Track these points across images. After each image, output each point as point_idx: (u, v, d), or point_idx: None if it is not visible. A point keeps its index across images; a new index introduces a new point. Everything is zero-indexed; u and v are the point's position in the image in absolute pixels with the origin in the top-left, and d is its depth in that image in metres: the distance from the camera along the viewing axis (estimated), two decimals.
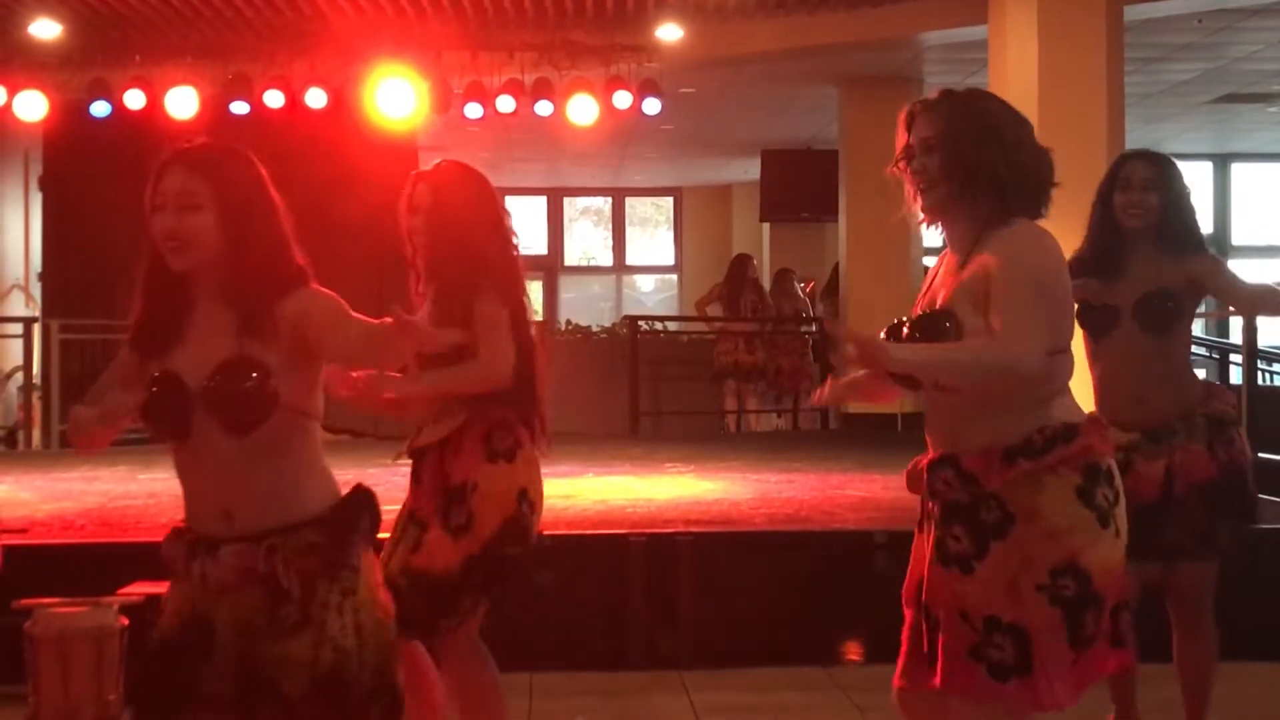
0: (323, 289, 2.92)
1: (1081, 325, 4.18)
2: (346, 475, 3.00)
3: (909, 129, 3.12)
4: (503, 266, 4.04)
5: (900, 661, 3.12)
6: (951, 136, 3.05)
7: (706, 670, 5.83)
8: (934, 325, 3.02)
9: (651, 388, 13.69)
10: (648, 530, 6.36)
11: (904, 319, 3.11)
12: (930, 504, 3.08)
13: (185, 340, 2.86)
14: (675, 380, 13.86)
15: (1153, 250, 4.23)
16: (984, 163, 3.03)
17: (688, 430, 13.28)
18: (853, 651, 6.11)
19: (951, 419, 3.05)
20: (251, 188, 2.91)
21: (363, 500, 2.92)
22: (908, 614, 3.13)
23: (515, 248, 4.14)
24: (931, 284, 3.15)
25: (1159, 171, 4.25)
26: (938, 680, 2.98)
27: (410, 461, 4.06)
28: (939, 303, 3.06)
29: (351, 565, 2.84)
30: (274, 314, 2.83)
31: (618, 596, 6.10)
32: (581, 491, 7.97)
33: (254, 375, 2.79)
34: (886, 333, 3.08)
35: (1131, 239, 4.22)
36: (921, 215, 3.12)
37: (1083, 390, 3.56)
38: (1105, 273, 4.21)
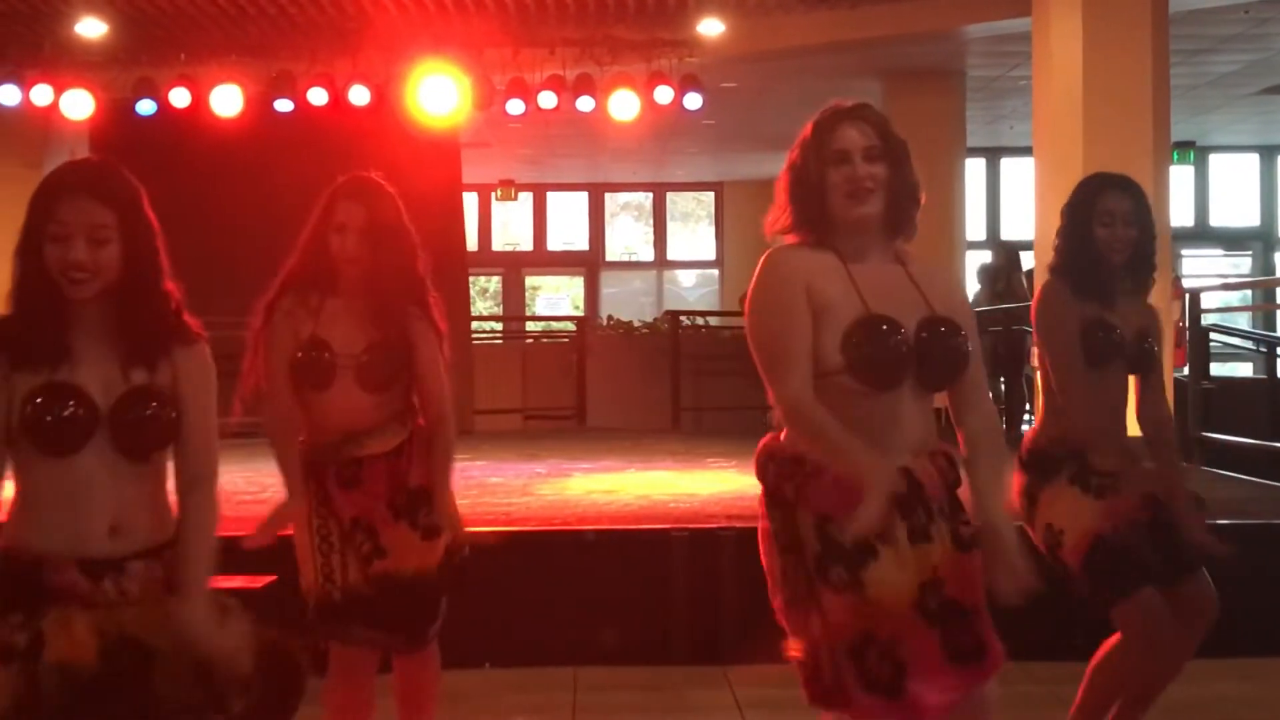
0: (208, 358, 2.94)
1: (1088, 346, 4.13)
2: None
3: (830, 134, 3.13)
4: (426, 288, 4.06)
5: (934, 679, 2.96)
6: (895, 151, 3.12)
7: (749, 665, 5.82)
8: (950, 339, 3.08)
9: (693, 383, 13.69)
10: (690, 525, 6.37)
11: (877, 317, 3.04)
12: (924, 502, 3.04)
13: (75, 360, 2.82)
14: (717, 375, 13.83)
15: (1125, 284, 4.24)
16: (916, 183, 3.13)
17: (730, 425, 13.25)
18: None
19: (923, 424, 3.11)
20: (145, 215, 2.88)
21: None
22: (914, 627, 2.97)
23: (427, 259, 4.12)
24: (854, 284, 3.08)
25: (1139, 205, 4.22)
26: (994, 664, 3.01)
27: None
28: (922, 310, 3.08)
29: None
30: (169, 350, 2.88)
31: (661, 591, 6.11)
32: (624, 486, 7.99)
33: (154, 404, 2.83)
34: (864, 327, 3.03)
35: (1110, 268, 4.20)
36: (848, 219, 3.11)
37: None
38: (1105, 301, 4.17)
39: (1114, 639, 4.20)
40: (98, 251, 2.79)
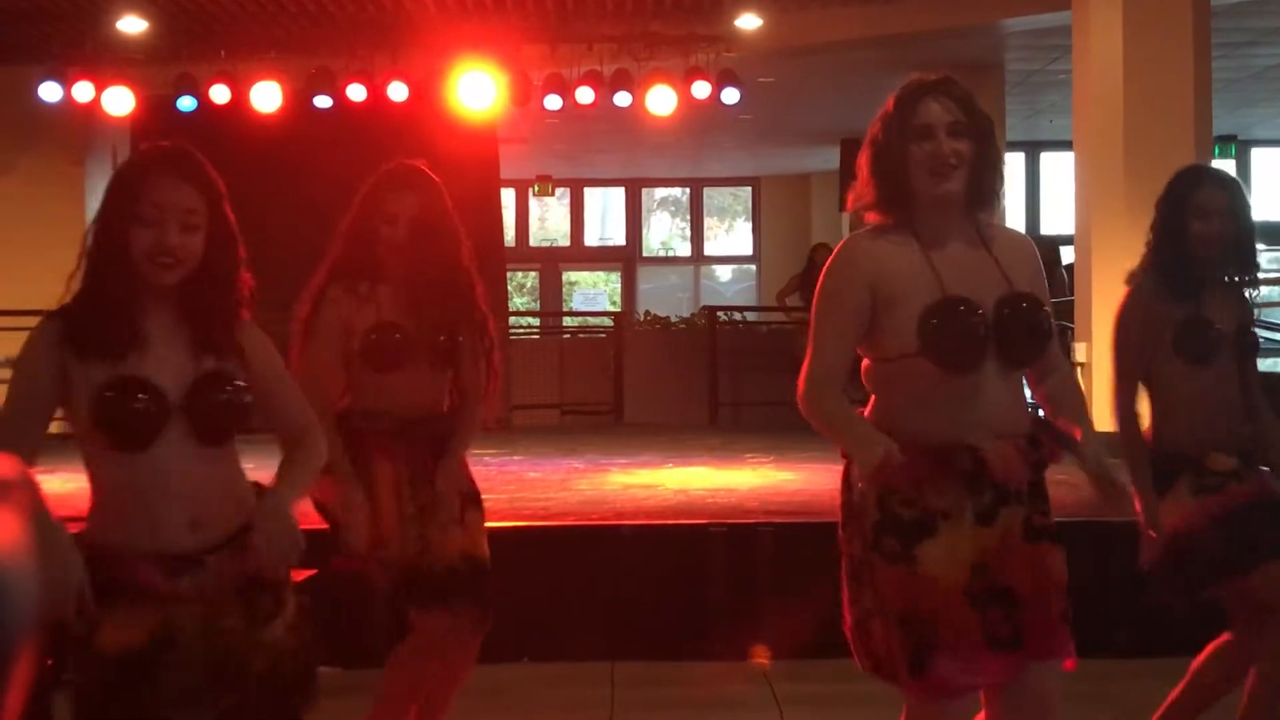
0: (260, 330, 2.96)
1: (1182, 347, 4.06)
2: None
3: (913, 109, 3.08)
4: (473, 275, 4.12)
5: (968, 661, 2.98)
6: (979, 126, 3.09)
7: (788, 660, 5.82)
8: (1032, 314, 3.06)
9: (730, 378, 13.68)
10: (728, 520, 6.37)
11: (956, 299, 3.02)
12: (994, 485, 3.03)
13: (145, 349, 2.79)
14: (754, 371, 13.83)
15: (1219, 273, 4.15)
16: (999, 156, 3.11)
17: (767, 421, 13.23)
18: None
19: (1009, 404, 3.08)
20: (225, 203, 2.87)
21: None
22: (960, 612, 2.98)
23: (471, 248, 4.16)
24: (932, 268, 3.05)
25: (1235, 200, 4.13)
26: (1038, 653, 3.02)
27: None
28: (1003, 287, 3.06)
29: None
30: (237, 331, 2.88)
31: (699, 586, 6.11)
32: (662, 482, 8.00)
33: (229, 388, 2.82)
34: (942, 309, 3.01)
35: (1204, 264, 4.12)
36: (932, 196, 3.07)
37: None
38: (1196, 298, 4.09)
39: (1222, 639, 4.15)
40: (187, 238, 2.78)
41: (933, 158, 3.03)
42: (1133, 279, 4.20)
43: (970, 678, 2.99)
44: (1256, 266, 4.20)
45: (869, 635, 3.07)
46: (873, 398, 3.18)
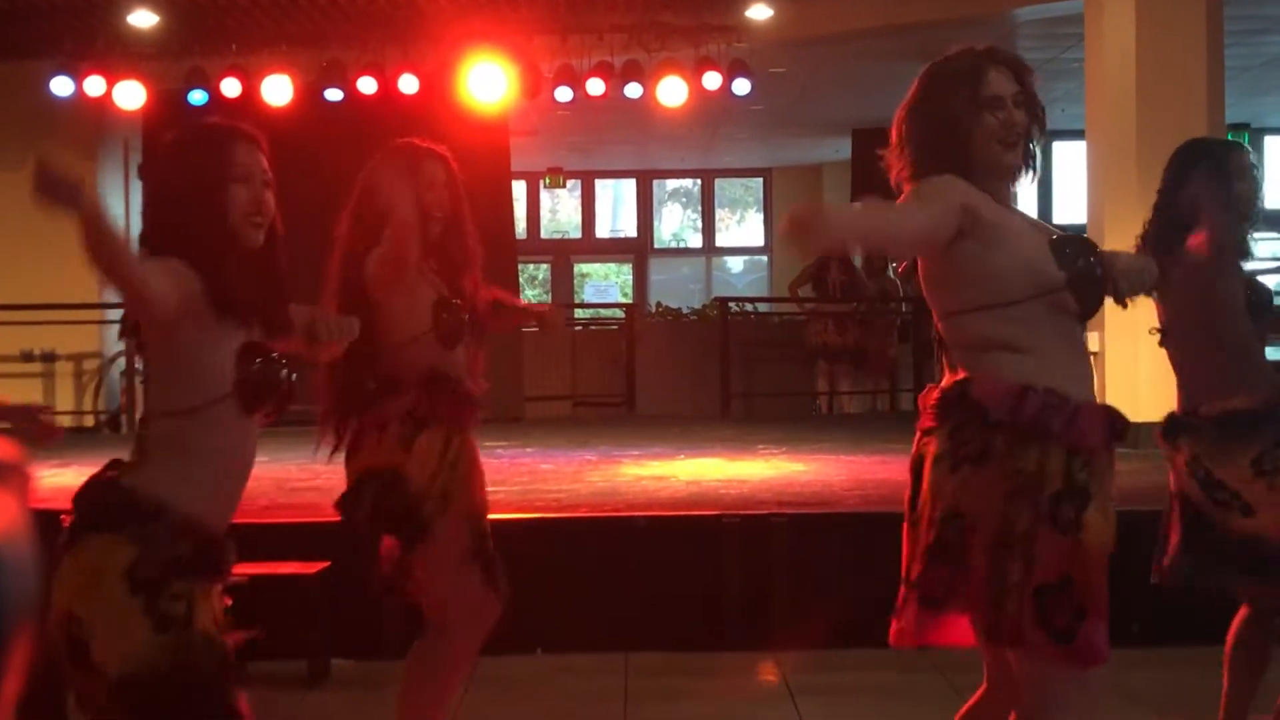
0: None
1: (1254, 308, 4.04)
2: None
3: (980, 79, 3.03)
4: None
5: (1105, 627, 2.97)
6: (1032, 96, 3.08)
7: (801, 651, 5.82)
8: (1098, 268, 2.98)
9: (743, 369, 13.67)
10: (741, 512, 6.36)
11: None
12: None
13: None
14: (767, 362, 13.82)
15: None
16: (1043, 123, 3.11)
17: (779, 412, 13.25)
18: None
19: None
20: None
21: None
22: (1104, 574, 2.97)
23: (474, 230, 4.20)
24: (1020, 226, 3.03)
25: (1254, 159, 4.14)
26: None
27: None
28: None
29: None
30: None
31: (712, 578, 6.10)
32: (674, 473, 8.00)
33: (289, 369, 2.82)
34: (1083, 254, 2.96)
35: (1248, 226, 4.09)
36: (1003, 171, 3.05)
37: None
38: (1244, 259, 4.08)
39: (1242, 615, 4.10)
40: (269, 195, 2.82)
41: (1005, 128, 3.02)
42: (1222, 255, 4.06)
43: (1106, 645, 2.92)
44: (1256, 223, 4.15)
45: (1002, 606, 2.88)
46: (981, 357, 2.96)
